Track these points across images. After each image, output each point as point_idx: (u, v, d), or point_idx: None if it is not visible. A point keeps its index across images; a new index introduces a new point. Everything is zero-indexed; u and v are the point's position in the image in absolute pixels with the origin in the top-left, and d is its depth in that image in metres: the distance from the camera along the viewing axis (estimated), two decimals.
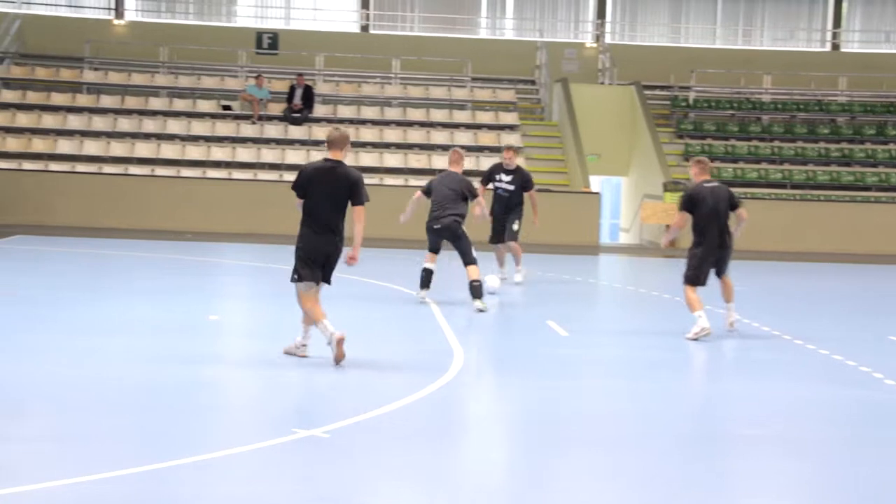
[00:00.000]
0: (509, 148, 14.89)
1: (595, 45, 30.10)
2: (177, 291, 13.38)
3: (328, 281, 8.93)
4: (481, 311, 11.99)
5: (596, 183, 25.91)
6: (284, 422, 6.88)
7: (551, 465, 6.27)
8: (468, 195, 12.51)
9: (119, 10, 29.36)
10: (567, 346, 10.48)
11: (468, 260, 12.25)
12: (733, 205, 11.05)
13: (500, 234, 14.64)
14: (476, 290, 12.16)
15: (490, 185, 14.79)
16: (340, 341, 8.51)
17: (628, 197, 27.87)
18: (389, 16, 30.42)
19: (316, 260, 8.75)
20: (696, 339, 10.68)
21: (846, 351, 10.30)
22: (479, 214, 12.95)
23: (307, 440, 6.42)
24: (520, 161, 24.92)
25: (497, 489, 5.87)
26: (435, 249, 12.56)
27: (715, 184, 11.14)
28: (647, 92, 27.42)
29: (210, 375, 8.44)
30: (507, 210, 14.62)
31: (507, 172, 14.68)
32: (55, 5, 29.35)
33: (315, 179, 8.77)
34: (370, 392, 7.92)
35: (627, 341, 10.99)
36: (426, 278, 12.53)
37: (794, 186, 25.83)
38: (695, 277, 10.91)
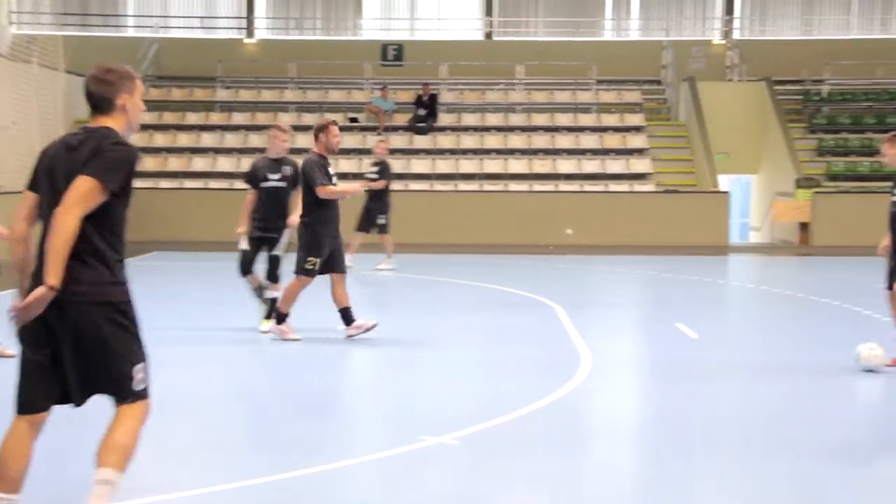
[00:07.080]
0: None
1: (723, 41, 29.52)
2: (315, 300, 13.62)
3: None
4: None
5: (725, 182, 25.42)
6: (412, 429, 6.94)
7: (682, 471, 6.17)
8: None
9: (250, 30, 30.20)
10: (697, 349, 10.31)
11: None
12: None
13: None
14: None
15: None
16: None
17: (759, 195, 27.25)
18: (513, 22, 30.45)
19: None
20: None
21: None
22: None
23: (436, 447, 6.47)
24: (645, 163, 24.80)
25: (626, 494, 5.82)
26: None
27: None
28: (777, 87, 26.77)
29: (337, 383, 8.59)
30: None
31: None
32: (190, 28, 30.36)
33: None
34: (498, 398, 7.94)
35: (760, 344, 10.74)
36: None
37: None
38: None
